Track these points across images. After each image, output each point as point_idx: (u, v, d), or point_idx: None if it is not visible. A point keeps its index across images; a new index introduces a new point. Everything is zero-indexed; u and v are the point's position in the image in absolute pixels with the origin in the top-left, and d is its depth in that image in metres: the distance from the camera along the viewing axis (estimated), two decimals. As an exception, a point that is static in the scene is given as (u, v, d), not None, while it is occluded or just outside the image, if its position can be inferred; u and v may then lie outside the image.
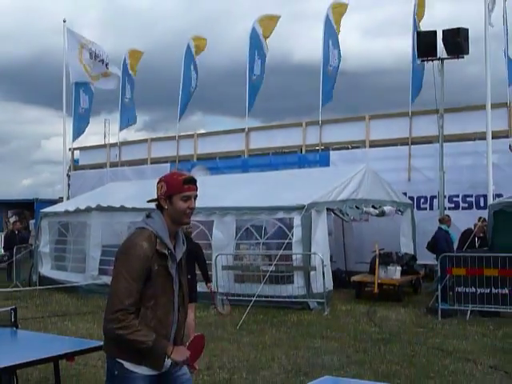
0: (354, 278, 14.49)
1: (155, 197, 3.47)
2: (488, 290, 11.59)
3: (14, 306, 6.74)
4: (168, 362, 3.43)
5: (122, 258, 3.30)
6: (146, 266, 3.24)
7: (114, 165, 24.12)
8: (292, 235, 12.99)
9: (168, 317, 3.42)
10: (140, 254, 3.23)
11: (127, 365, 3.29)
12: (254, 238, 13.73)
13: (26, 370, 6.53)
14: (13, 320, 6.39)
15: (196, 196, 3.44)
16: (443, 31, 14.87)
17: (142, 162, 23.38)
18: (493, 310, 11.52)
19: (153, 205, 3.57)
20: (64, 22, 21.36)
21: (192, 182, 3.44)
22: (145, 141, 24.35)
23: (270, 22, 20.87)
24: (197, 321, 9.48)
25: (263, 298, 12.17)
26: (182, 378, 3.55)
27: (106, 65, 21.64)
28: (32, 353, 5.37)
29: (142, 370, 3.33)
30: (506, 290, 11.42)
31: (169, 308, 3.43)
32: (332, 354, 8.56)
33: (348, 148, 19.09)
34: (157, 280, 3.31)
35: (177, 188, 3.39)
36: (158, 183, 3.49)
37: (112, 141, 25.35)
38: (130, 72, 23.20)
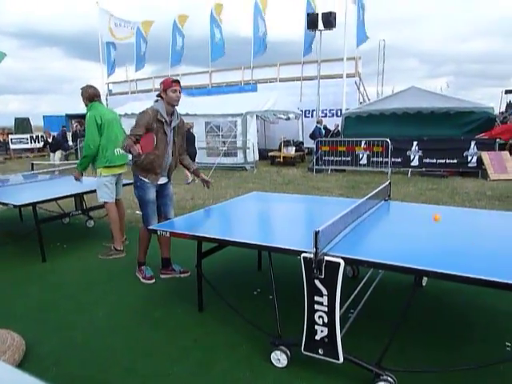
0: (270, 154, 14.71)
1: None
2: (340, 158, 12.10)
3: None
4: (162, 179, 3.60)
5: (138, 117, 3.37)
6: (149, 122, 3.30)
7: (133, 92, 23.16)
8: (236, 130, 13.16)
9: (160, 156, 3.46)
10: (146, 116, 3.32)
11: (142, 177, 3.48)
12: (215, 132, 13.83)
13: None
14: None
15: (180, 90, 3.43)
16: (322, 13, 14.54)
17: (150, 90, 22.47)
18: (342, 168, 12.07)
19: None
20: (97, 3, 19.65)
21: (177, 81, 3.45)
22: (151, 78, 23.32)
23: (219, 6, 19.81)
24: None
25: (221, 165, 12.48)
26: (168, 190, 3.71)
27: (129, 28, 20.43)
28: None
29: (149, 181, 3.50)
30: (349, 158, 11.99)
31: (163, 152, 3.46)
32: (258, 190, 8.91)
33: (267, 82, 18.90)
34: (157, 134, 3.36)
35: (169, 85, 3.37)
36: (160, 84, 3.46)
37: (130, 78, 24.09)
38: (144, 35, 21.81)
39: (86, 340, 2.76)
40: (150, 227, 2.91)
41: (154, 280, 3.73)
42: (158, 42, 23.57)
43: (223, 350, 2.58)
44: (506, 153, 10.34)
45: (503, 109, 23.40)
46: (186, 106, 15.23)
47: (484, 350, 2.51)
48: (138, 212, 6.72)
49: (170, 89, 3.38)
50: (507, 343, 2.57)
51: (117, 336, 2.80)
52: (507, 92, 33.77)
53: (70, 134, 18.93)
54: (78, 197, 5.48)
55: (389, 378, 2.06)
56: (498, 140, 10.62)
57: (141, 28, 21.44)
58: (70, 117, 24.81)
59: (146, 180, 3.49)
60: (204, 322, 2.94)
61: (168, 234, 2.78)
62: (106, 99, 22.80)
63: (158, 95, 3.45)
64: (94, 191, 4.64)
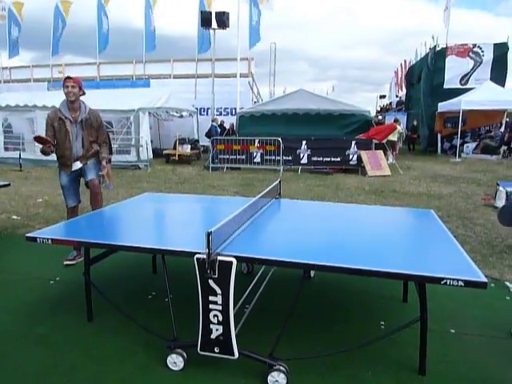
0: (165, 152, 14.45)
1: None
2: (235, 156, 12.33)
3: None
4: (75, 165, 4.01)
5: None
6: (50, 123, 3.83)
7: (6, 81, 20.59)
8: (129, 126, 12.59)
9: (67, 150, 3.90)
10: (48, 119, 3.87)
11: (60, 168, 4.05)
12: (106, 127, 13.02)
13: None
14: None
15: (72, 85, 3.78)
16: (215, 12, 14.65)
17: (28, 80, 20.21)
18: (237, 166, 12.25)
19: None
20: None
21: (66, 78, 3.83)
22: (28, 66, 20.97)
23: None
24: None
25: (112, 163, 11.77)
26: (89, 167, 4.07)
27: None
28: None
29: (64, 171, 4.04)
30: (244, 156, 12.28)
31: (68, 145, 3.89)
32: (152, 190, 8.65)
33: (161, 78, 18.40)
34: (60, 131, 3.84)
35: (63, 83, 3.81)
36: None
37: (3, 65, 21.32)
38: (17, 17, 19.42)
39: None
40: (28, 235, 2.65)
41: None
42: (38, 26, 21.34)
43: (117, 360, 2.47)
44: (381, 152, 11.62)
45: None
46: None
47: (363, 330, 2.81)
48: (14, 217, 6.04)
49: (63, 86, 3.78)
50: (381, 322, 2.91)
51: (-10, 359, 2.48)
52: (381, 97, 37.93)
53: None
54: None
55: (281, 368, 2.18)
56: (374, 140, 11.88)
57: (13, 9, 19.12)
58: None
59: (60, 170, 4.04)
60: (95, 333, 2.77)
61: (50, 242, 2.56)
62: (-30, 88, 20.02)
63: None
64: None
